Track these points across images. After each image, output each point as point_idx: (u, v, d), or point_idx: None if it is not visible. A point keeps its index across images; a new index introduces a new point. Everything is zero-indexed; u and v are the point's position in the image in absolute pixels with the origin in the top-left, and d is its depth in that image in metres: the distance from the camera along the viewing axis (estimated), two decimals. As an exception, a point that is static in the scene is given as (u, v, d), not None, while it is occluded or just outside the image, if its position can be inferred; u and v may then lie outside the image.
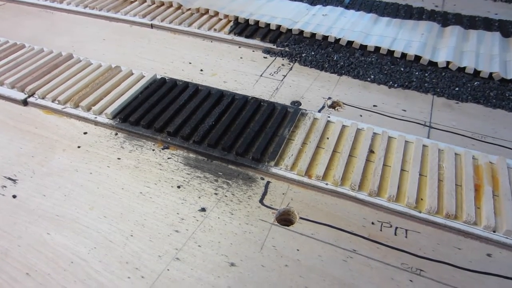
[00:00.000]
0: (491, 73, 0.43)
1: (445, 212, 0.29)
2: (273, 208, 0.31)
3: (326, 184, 0.32)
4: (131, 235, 0.29)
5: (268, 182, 0.33)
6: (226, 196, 0.32)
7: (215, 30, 0.55)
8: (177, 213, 0.31)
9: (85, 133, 0.39)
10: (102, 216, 0.31)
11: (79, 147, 0.37)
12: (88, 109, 0.41)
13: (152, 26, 0.57)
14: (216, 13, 0.58)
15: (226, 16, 0.57)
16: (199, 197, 0.32)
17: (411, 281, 0.26)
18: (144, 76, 0.45)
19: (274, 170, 0.33)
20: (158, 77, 0.45)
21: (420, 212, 0.29)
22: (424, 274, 0.26)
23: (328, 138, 0.35)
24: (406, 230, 0.29)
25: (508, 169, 0.32)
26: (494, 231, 0.28)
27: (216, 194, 0.32)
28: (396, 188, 0.30)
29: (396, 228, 0.29)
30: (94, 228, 0.30)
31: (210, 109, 0.40)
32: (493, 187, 0.30)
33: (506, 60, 0.45)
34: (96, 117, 0.40)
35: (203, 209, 0.31)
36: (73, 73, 0.46)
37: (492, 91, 0.41)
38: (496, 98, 0.41)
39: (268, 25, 0.54)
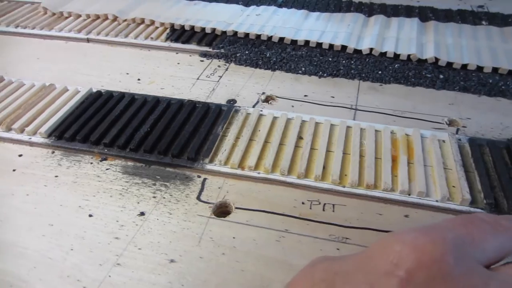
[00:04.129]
0: (409, 55, 0.48)
1: (365, 184, 0.32)
2: (209, 203, 0.33)
3: (259, 173, 0.34)
4: (71, 249, 0.31)
5: (204, 179, 0.35)
6: (164, 198, 0.34)
7: (151, 38, 0.57)
8: (117, 221, 0.32)
9: (20, 155, 0.40)
10: (40, 235, 0.32)
11: (14, 170, 0.38)
12: (22, 130, 0.41)
13: (88, 40, 0.58)
14: (152, 22, 0.60)
15: (162, 24, 0.59)
16: (138, 202, 0.34)
17: (338, 249, 0.29)
18: (79, 91, 0.47)
19: (209, 167, 0.35)
20: (94, 90, 0.47)
21: (344, 186, 0.32)
22: (349, 241, 0.29)
23: (259, 131, 0.38)
24: (333, 205, 0.32)
25: (422, 139, 0.36)
26: (409, 194, 0.32)
27: (154, 197, 0.34)
28: (321, 168, 0.34)
29: (324, 204, 0.32)
30: (33, 248, 0.31)
31: (145, 116, 0.42)
32: (408, 156, 0.34)
33: (423, 42, 0.50)
34: (30, 138, 0.40)
35: (142, 213, 0.33)
36: (4, 96, 0.46)
37: (411, 71, 0.46)
38: (414, 77, 0.46)
39: (203, 29, 0.57)
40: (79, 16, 0.62)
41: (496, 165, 0.34)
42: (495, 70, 0.46)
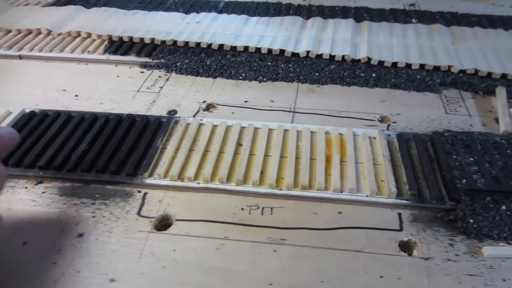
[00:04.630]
0: (343, 56, 0.51)
1: (300, 185, 0.34)
2: (150, 217, 0.34)
3: (198, 183, 0.36)
4: (5, 281, 0.30)
5: (145, 194, 0.36)
6: (104, 216, 0.34)
7: (89, 52, 0.57)
8: (54, 245, 0.32)
9: None
10: (-28, 269, 0.31)
11: None
12: None
13: (20, 57, 0.57)
14: (89, 35, 0.59)
15: (99, 36, 0.59)
16: (77, 224, 0.34)
17: (275, 251, 0.31)
18: (11, 113, 0.46)
19: (148, 181, 0.36)
20: (28, 111, 0.46)
21: (281, 189, 0.35)
22: (286, 242, 0.31)
23: (199, 140, 0.40)
24: (272, 208, 0.34)
25: (354, 137, 0.39)
26: (341, 192, 0.34)
27: (94, 217, 0.34)
28: (259, 173, 0.36)
29: (263, 208, 0.34)
30: (-36, 282, 0.30)
31: (83, 134, 0.42)
32: (341, 154, 0.37)
33: (356, 42, 0.54)
34: (-42, 166, 0.39)
35: (81, 235, 0.33)
36: None
37: (346, 71, 0.50)
38: (349, 77, 0.49)
39: (142, 39, 0.58)
40: (9, 31, 0.61)
41: (421, 158, 0.37)
42: (422, 66, 0.50)
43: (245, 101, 0.47)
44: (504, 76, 0.48)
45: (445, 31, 0.56)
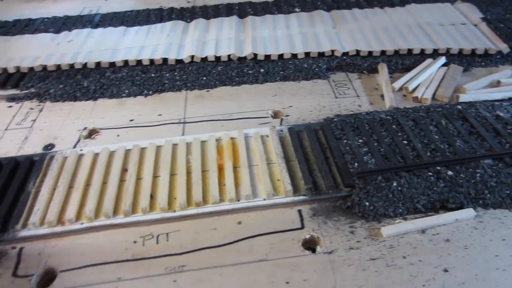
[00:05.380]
0: (229, 55, 0.51)
1: (194, 202, 0.33)
2: (29, 275, 0.30)
3: (82, 223, 0.32)
4: None
5: (20, 249, 0.32)
6: (-31, 289, 0.30)
7: None
8: None
9: None
10: None
11: None
12: None
13: None
14: None
15: (-50, 73, 0.52)
16: None
17: (174, 281, 0.29)
18: None
19: (22, 233, 0.32)
20: None
21: (174, 211, 0.33)
22: (185, 268, 0.30)
23: (79, 174, 0.36)
24: (167, 234, 0.32)
25: (246, 139, 0.39)
26: (238, 200, 0.33)
27: (-45, 293, 0.30)
28: (148, 198, 0.33)
29: (158, 235, 0.32)
30: None
31: None
32: (234, 160, 0.36)
33: (241, 39, 0.54)
34: None
35: None
36: None
37: (234, 71, 0.49)
38: (238, 76, 0.49)
39: (5, 69, 0.52)
40: None
41: (313, 148, 0.38)
42: (307, 54, 0.51)
43: (131, 120, 0.44)
44: (383, 52, 0.51)
45: (326, 16, 0.59)
